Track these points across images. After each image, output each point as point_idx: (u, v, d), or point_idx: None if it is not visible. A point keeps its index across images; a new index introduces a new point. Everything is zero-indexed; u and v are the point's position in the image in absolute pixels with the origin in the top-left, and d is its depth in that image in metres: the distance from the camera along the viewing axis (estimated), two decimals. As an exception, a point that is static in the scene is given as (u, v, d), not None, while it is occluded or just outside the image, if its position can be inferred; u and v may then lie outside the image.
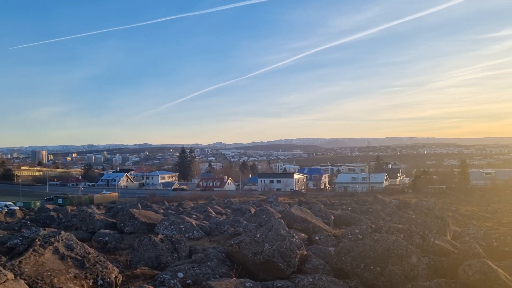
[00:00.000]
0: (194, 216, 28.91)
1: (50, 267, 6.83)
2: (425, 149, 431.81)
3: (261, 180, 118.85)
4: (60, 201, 66.76)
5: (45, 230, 14.13)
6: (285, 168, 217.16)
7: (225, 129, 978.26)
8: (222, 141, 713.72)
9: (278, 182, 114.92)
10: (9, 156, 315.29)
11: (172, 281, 8.35)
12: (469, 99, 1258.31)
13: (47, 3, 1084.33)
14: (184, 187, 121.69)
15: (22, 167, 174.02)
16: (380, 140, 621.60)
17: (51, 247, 7.33)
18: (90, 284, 7.08)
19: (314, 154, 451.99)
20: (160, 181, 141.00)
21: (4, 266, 6.48)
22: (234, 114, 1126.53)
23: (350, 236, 15.77)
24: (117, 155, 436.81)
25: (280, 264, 9.78)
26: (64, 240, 7.74)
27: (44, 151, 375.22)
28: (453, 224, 23.34)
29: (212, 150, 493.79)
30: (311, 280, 8.24)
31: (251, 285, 8.25)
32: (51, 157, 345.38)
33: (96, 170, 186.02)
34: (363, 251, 9.84)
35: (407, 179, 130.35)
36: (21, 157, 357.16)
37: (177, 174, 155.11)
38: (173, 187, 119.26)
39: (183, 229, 18.60)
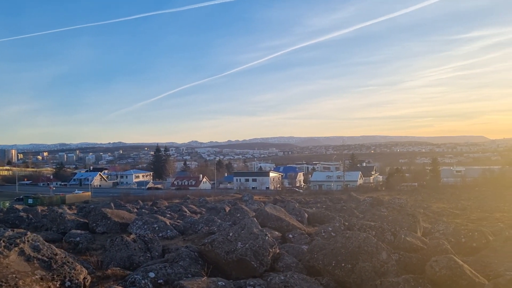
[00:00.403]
0: (168, 215, 28.63)
1: (15, 269, 6.64)
2: (398, 148, 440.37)
3: (236, 179, 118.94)
4: (30, 201, 65.08)
5: (13, 231, 13.75)
6: (260, 166, 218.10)
7: (200, 128, 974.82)
8: (198, 140, 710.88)
9: (254, 180, 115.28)
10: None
11: (143, 281, 8.24)
12: (440, 98, 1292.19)
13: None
14: (159, 186, 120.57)
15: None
16: (354, 139, 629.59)
17: (16, 249, 7.12)
18: (57, 285, 6.91)
19: (290, 152, 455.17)
20: (135, 180, 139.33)
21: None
22: (209, 112, 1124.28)
23: (323, 234, 15.89)
24: (90, 154, 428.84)
25: (252, 262, 9.78)
26: (30, 241, 7.54)
27: (13, 150, 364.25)
28: (424, 220, 23.84)
29: (187, 149, 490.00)
30: (282, 278, 8.28)
31: (224, 284, 8.23)
32: (21, 156, 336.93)
33: (68, 169, 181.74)
34: (335, 249, 9.94)
35: (380, 177, 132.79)
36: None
37: (151, 173, 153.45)
38: (147, 186, 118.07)
39: (157, 228, 18.40)
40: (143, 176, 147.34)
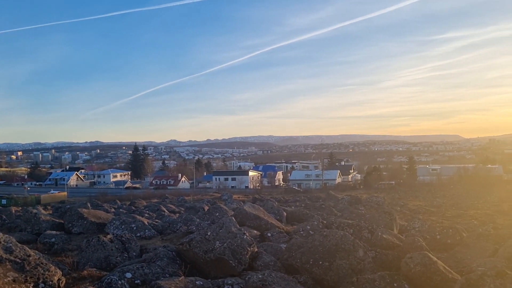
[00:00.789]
0: (146, 215, 28.35)
1: (-13, 271, 6.49)
2: (376, 146, 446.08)
3: (216, 178, 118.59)
4: (3, 201, 63.33)
5: (-15, 232, 13.42)
6: (240, 165, 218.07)
7: (179, 127, 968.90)
8: (176, 139, 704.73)
9: (233, 179, 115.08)
10: None
11: (119, 282, 8.13)
12: (417, 98, 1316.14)
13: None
14: (137, 185, 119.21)
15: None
16: (333, 138, 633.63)
17: (-13, 250, 6.96)
18: (31, 287, 6.78)
19: (269, 151, 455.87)
20: (112, 179, 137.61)
21: None
22: (188, 111, 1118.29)
23: (301, 232, 15.98)
24: (67, 153, 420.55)
25: (231, 261, 9.77)
26: (3, 242, 7.36)
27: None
28: (401, 218, 24.28)
29: (166, 148, 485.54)
30: (260, 276, 8.30)
31: (202, 283, 8.19)
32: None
33: (43, 169, 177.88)
34: (313, 247, 10.01)
35: (359, 175, 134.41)
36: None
37: (129, 172, 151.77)
38: (125, 185, 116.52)
39: (135, 228, 18.20)
40: (121, 175, 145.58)
